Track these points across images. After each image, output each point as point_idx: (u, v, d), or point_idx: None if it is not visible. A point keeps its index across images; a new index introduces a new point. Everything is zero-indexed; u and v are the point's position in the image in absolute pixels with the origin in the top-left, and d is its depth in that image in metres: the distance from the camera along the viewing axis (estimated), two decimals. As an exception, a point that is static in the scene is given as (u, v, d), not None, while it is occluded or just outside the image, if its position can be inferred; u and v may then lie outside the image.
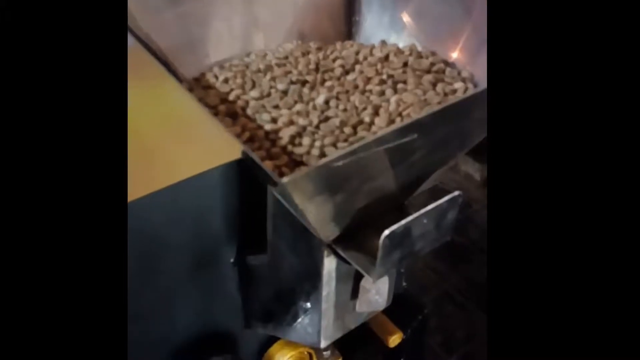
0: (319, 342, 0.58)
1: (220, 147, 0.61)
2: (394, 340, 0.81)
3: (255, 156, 0.45)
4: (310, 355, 0.84)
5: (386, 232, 0.41)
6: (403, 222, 0.42)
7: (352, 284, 0.56)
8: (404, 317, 0.91)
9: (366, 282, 0.54)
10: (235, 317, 0.76)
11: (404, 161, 0.45)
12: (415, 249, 0.46)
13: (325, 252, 0.51)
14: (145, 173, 0.60)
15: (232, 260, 0.71)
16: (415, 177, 0.49)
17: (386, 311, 0.91)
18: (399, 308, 0.94)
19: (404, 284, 1.03)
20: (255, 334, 0.80)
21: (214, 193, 0.64)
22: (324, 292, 0.54)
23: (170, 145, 0.62)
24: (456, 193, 0.44)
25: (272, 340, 0.82)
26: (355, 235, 0.49)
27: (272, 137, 0.59)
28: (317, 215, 0.44)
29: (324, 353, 0.87)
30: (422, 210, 0.43)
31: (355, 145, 0.39)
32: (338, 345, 0.88)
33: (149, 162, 0.61)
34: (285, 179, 0.38)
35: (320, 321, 0.56)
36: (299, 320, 0.61)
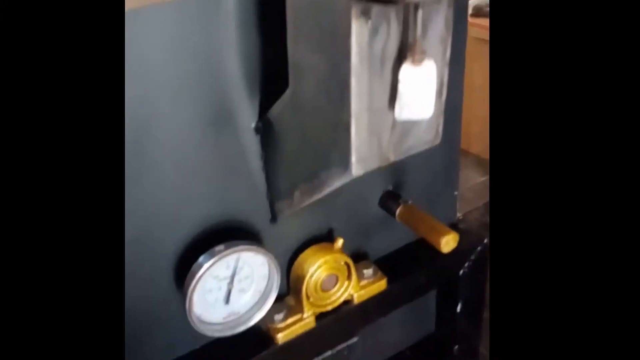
0: (351, 168, 0.47)
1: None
2: (447, 242, 0.67)
3: None
4: (348, 266, 0.72)
5: None
6: None
7: (390, 78, 0.45)
8: (460, 249, 0.77)
9: (405, 74, 0.43)
10: (260, 209, 0.66)
11: None
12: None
13: (354, 11, 0.40)
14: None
15: (253, 125, 0.62)
16: None
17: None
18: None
19: (459, 214, 0.91)
20: (284, 241, 0.70)
21: (230, 23, 0.56)
22: (354, 82, 0.43)
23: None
24: None
25: (303, 248, 0.71)
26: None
27: None
28: None
29: (365, 271, 0.75)
30: None
31: None
32: (382, 269, 0.77)
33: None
34: None
35: (350, 136, 0.45)
36: (329, 160, 0.50)
